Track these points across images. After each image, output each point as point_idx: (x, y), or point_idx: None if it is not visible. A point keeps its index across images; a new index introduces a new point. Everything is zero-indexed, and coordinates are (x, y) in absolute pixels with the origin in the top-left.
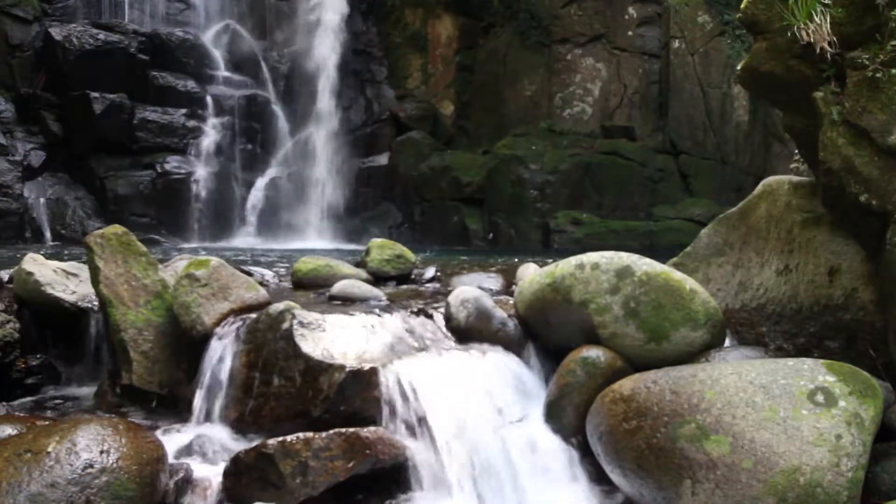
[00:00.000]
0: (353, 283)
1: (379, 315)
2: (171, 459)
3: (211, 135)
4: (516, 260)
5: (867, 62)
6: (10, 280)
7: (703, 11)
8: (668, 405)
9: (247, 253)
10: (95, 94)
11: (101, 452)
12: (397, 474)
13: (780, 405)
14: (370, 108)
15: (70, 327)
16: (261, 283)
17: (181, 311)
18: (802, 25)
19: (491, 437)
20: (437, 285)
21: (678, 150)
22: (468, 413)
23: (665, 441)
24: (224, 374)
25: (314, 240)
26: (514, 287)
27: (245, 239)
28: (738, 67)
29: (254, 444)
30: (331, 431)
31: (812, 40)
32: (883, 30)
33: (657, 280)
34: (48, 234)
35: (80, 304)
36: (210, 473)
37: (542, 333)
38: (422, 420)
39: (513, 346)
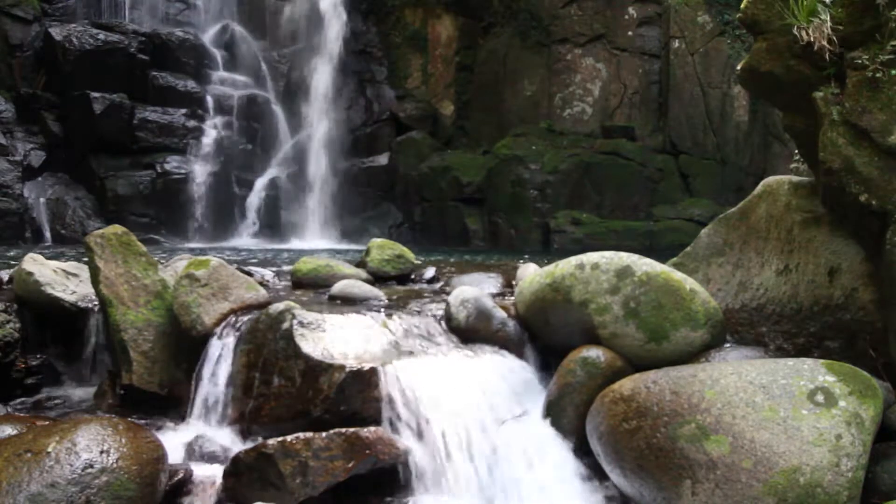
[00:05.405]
0: (353, 283)
1: (379, 315)
2: (170, 459)
3: (211, 135)
4: (516, 260)
5: (867, 62)
6: (10, 280)
7: (703, 11)
8: (668, 405)
9: (247, 253)
10: (95, 94)
11: (101, 452)
12: (397, 474)
13: (780, 405)
14: (370, 108)
15: (70, 327)
16: (261, 283)
17: (181, 311)
18: (802, 25)
19: (491, 437)
20: (437, 285)
21: (678, 150)
22: (468, 413)
23: (665, 441)
24: (224, 374)
25: (314, 240)
26: (514, 287)
27: (245, 239)
28: (738, 67)
29: (254, 444)
30: (331, 431)
31: (812, 40)
32: (883, 30)
33: (657, 280)
34: (48, 234)
35: (80, 304)
36: (210, 473)
37: (542, 333)
38: (422, 420)
39: (513, 346)
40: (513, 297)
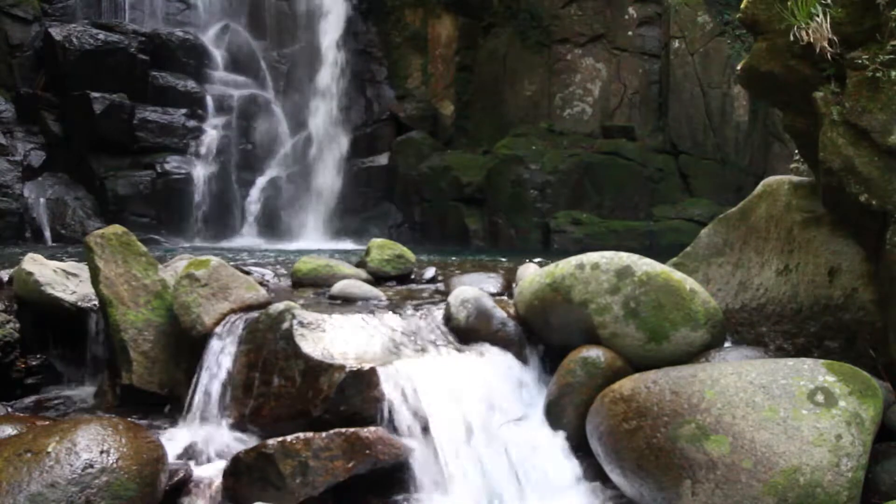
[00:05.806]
0: (352, 283)
1: (379, 315)
2: (170, 459)
3: (211, 135)
4: (516, 260)
5: (867, 62)
6: (10, 280)
7: (703, 11)
8: (668, 405)
9: (247, 253)
10: (95, 94)
11: (101, 452)
12: (397, 474)
13: (780, 405)
14: (370, 108)
15: (70, 327)
16: (261, 283)
17: (181, 311)
18: (802, 25)
19: (491, 437)
20: (437, 285)
21: (678, 150)
22: (468, 413)
23: (665, 441)
24: (224, 375)
25: (314, 240)
26: (514, 287)
27: (245, 239)
28: (738, 67)
29: (254, 444)
30: (331, 431)
31: (812, 40)
32: (883, 30)
33: (657, 280)
34: (48, 234)
35: (80, 304)
36: (210, 473)
37: (542, 333)
38: (422, 420)
39: (512, 346)
40: (513, 297)
